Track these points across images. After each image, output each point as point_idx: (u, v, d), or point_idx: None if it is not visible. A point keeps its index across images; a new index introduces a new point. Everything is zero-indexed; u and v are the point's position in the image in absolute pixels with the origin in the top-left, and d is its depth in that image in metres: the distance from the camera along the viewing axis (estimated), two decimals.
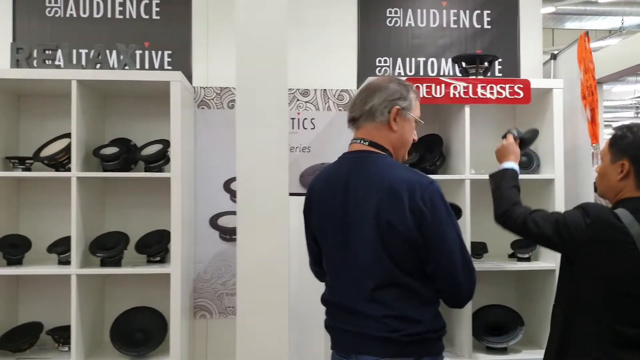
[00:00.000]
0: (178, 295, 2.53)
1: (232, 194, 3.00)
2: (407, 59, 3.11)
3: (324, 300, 1.92)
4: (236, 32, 1.98)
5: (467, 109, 2.64)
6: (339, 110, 3.04)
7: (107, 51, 2.66)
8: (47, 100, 2.86)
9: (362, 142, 1.87)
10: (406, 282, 1.75)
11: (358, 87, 3.04)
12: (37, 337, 2.71)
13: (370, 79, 1.95)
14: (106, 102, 2.90)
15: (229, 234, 2.99)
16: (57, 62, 2.63)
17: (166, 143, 2.69)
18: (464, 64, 2.76)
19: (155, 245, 2.73)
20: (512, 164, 2.20)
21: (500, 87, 2.63)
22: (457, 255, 1.76)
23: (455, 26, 3.13)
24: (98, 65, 2.56)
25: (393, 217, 1.71)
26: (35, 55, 2.53)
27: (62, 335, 2.70)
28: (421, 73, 3.10)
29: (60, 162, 2.63)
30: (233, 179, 2.99)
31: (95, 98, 2.75)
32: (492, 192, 2.17)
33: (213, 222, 2.99)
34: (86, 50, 2.90)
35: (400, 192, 1.73)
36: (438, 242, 1.74)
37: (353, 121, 1.88)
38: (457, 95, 2.62)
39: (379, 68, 3.09)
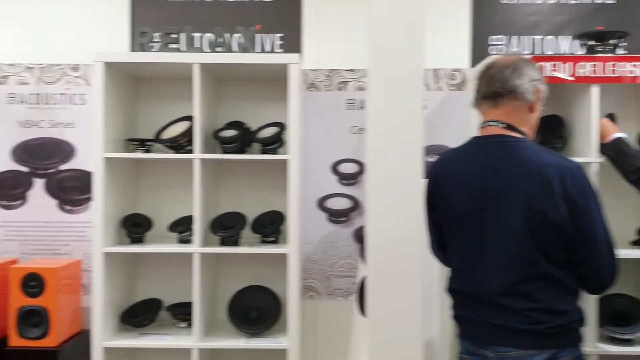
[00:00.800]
0: (295, 276, 2.56)
1: (340, 176, 2.99)
2: (523, 37, 2.98)
3: (453, 289, 1.87)
4: (370, 12, 1.94)
5: (595, 89, 2.51)
6: (451, 89, 2.96)
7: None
8: (163, 84, 2.93)
9: (498, 124, 1.79)
10: (551, 272, 1.69)
11: (472, 66, 2.95)
12: (156, 313, 2.81)
13: (497, 57, 1.86)
14: (219, 85, 2.94)
15: (336, 216, 3.00)
16: (173, 46, 2.70)
17: (281, 125, 2.71)
18: (589, 42, 2.62)
19: (270, 226, 2.76)
20: (621, 134, 2.44)
21: (633, 66, 2.48)
22: (603, 242, 1.70)
23: (575, 1, 2.98)
24: (219, 49, 2.59)
25: (546, 206, 1.65)
26: (157, 39, 2.59)
27: (180, 311, 2.79)
28: (537, 51, 2.97)
29: (180, 144, 2.69)
30: (341, 161, 2.99)
31: (211, 81, 2.79)
32: (613, 157, 2.40)
33: (321, 204, 3.00)
34: (199, 34, 2.95)
35: (551, 178, 1.66)
36: (588, 229, 1.67)
37: (493, 97, 1.79)
38: (584, 75, 2.50)
39: (493, 47, 2.99)
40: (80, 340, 2.84)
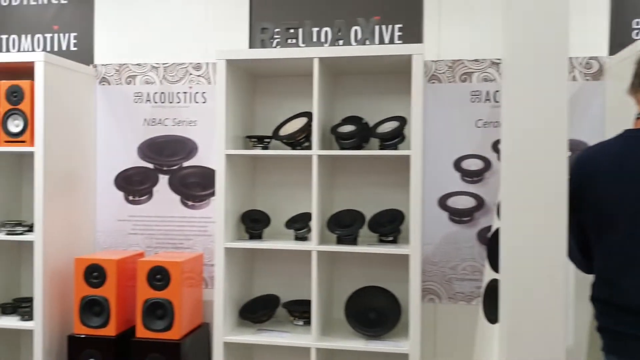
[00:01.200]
0: (417, 278, 2.44)
1: (463, 173, 2.83)
2: None
3: (599, 299, 1.70)
4: None
5: None
6: (586, 80, 2.71)
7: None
8: (280, 80, 2.93)
9: None
10: None
11: (610, 54, 2.69)
12: (274, 310, 2.81)
13: None
14: (336, 80, 2.89)
15: (459, 216, 2.84)
16: (292, 41, 2.67)
17: (401, 120, 2.60)
18: None
19: (388, 225, 2.66)
20: None
21: None
22: None
23: None
24: (339, 42, 2.52)
25: None
26: (276, 35, 2.57)
27: (297, 309, 2.77)
28: None
29: (297, 140, 2.66)
30: (464, 157, 2.83)
31: (328, 76, 2.74)
32: None
33: (442, 202, 2.86)
34: (317, 29, 2.91)
35: None
36: None
37: None
38: None
39: (637, 31, 2.70)
40: (201, 333, 2.90)
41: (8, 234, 2.78)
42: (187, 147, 3.08)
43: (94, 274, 2.75)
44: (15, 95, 2.75)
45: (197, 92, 3.06)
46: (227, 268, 2.64)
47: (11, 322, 2.79)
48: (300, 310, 2.76)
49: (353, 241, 2.59)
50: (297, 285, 2.94)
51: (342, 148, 2.61)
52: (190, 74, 3.06)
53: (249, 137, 2.77)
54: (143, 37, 3.12)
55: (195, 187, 3.08)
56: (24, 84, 2.75)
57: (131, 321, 2.88)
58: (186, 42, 3.08)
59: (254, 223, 2.76)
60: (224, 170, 2.60)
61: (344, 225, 2.64)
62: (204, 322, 2.98)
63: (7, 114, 2.76)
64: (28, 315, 2.79)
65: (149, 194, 3.12)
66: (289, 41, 2.61)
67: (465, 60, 2.81)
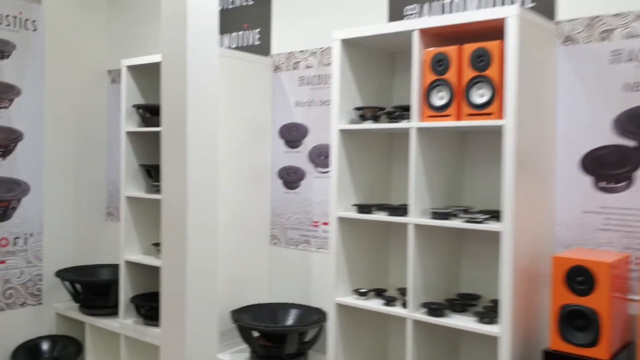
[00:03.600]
0: None
1: None
2: None
3: None
4: None
5: None
6: None
7: None
8: None
9: None
10: None
11: None
12: None
13: None
14: None
15: None
16: None
17: None
18: None
19: None
20: None
21: None
22: None
23: None
24: None
25: None
26: None
27: None
28: None
29: None
30: None
31: None
32: None
33: None
34: None
35: None
36: None
37: None
38: None
39: None
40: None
41: (468, 222, 2.41)
42: None
43: (578, 278, 2.18)
44: (481, 60, 2.35)
45: None
46: None
47: (469, 323, 2.41)
48: None
49: None
50: None
51: None
52: None
53: None
54: None
55: None
56: (491, 45, 2.33)
57: (622, 341, 2.25)
58: None
59: None
60: None
61: None
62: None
63: (472, 82, 2.38)
64: (488, 318, 2.39)
65: (629, 179, 2.43)
66: None
67: None
